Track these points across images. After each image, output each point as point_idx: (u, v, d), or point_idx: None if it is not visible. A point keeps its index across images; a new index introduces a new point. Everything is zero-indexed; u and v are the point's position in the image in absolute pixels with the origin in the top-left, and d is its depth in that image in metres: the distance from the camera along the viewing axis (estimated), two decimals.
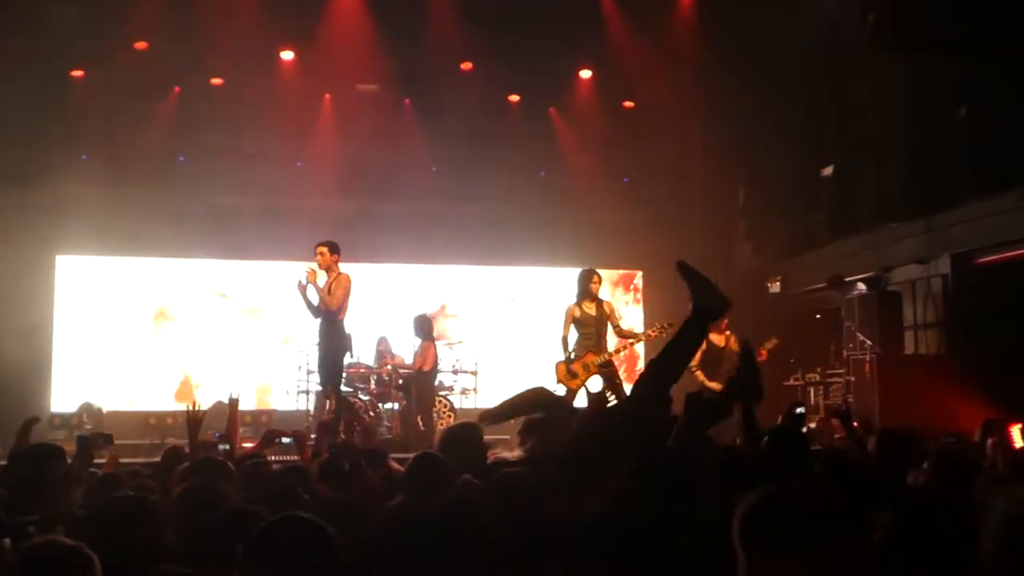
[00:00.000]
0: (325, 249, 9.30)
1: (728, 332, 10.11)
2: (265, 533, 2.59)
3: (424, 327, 11.50)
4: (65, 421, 12.13)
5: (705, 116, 13.06)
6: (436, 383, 11.83)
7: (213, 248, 13.77)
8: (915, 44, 10.33)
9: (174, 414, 13.19)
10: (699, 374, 9.78)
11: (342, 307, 9.28)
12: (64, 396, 13.16)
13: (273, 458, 6.50)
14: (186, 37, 12.13)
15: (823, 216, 13.27)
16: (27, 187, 12.12)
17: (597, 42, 13.08)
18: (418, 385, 11.30)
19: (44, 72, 11.89)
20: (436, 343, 11.55)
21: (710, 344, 9.81)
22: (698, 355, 9.71)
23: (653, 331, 10.04)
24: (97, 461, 6.59)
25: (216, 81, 13.00)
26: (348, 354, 9.82)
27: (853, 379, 11.15)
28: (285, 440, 6.97)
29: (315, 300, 9.21)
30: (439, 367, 11.78)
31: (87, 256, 13.69)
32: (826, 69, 12.40)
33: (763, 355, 9.79)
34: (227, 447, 6.30)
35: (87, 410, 12.53)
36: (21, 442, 5.34)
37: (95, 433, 7.74)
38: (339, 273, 9.32)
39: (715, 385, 9.69)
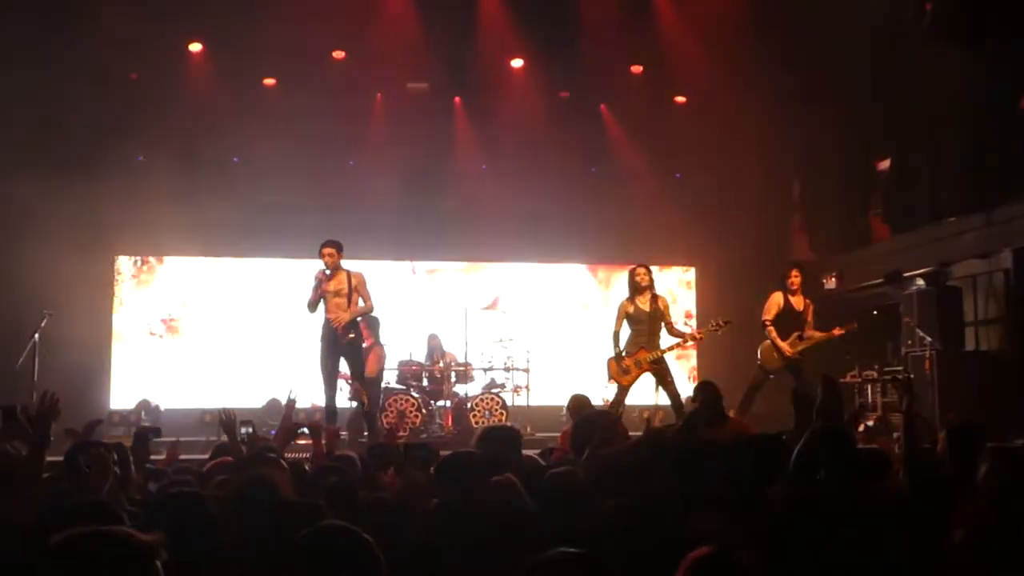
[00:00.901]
0: (334, 250, 9.38)
1: (808, 302, 9.89)
2: (310, 543, 2.56)
3: (375, 328, 11.37)
4: (124, 418, 12.36)
5: (758, 109, 12.89)
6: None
7: (266, 247, 13.91)
8: (974, 34, 10.12)
9: (235, 412, 13.33)
10: (771, 330, 9.62)
11: None
12: (122, 394, 13.38)
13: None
14: (239, 39, 12.25)
15: (880, 210, 13.06)
16: (86, 189, 12.32)
17: (647, 37, 12.98)
18: (370, 393, 10.97)
19: (101, 75, 12.06)
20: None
21: (788, 305, 9.66)
22: (774, 312, 9.65)
23: (705, 330, 10.05)
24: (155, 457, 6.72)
25: (269, 82, 13.11)
26: None
27: (912, 376, 10.95)
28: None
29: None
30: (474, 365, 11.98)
31: (144, 256, 13.92)
32: (882, 60, 12.19)
33: (837, 332, 9.68)
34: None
35: (145, 407, 12.75)
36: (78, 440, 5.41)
37: (143, 427, 7.86)
38: (349, 272, 9.43)
39: (785, 346, 9.53)
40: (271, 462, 4.50)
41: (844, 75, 12.58)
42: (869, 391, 12.26)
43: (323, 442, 6.01)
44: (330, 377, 9.49)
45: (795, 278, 9.78)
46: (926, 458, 4.95)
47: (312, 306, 9.44)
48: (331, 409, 9.47)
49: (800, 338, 9.63)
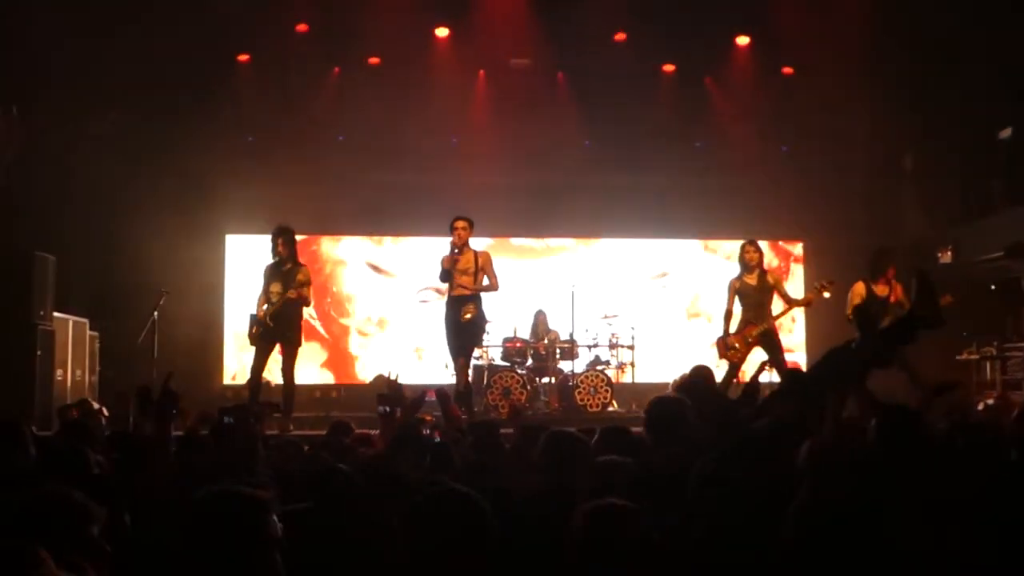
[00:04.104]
0: (468, 224, 9.39)
1: (894, 282, 9.55)
2: (426, 504, 2.62)
3: None
4: (236, 394, 12.69)
5: (870, 77, 12.49)
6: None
7: (375, 225, 14.11)
8: None
9: (338, 387, 13.62)
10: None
11: None
12: (235, 370, 13.72)
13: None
14: (344, 18, 12.36)
15: (1000, 181, 12.56)
16: (197, 170, 12.66)
17: (755, 6, 12.67)
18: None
19: (212, 57, 12.32)
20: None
21: (871, 294, 9.39)
22: (857, 302, 9.37)
23: (812, 294, 9.99)
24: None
25: (374, 60, 13.21)
26: None
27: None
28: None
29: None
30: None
31: (255, 235, 14.17)
32: (1003, 23, 11.67)
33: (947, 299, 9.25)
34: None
35: None
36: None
37: (265, 402, 8.08)
38: (476, 251, 9.48)
39: None
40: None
41: (962, 39, 12.08)
42: (988, 368, 11.88)
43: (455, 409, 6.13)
44: (453, 353, 9.63)
45: (891, 271, 9.47)
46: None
47: (445, 275, 9.45)
48: (460, 389, 9.57)
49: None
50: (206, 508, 2.51)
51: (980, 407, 10.09)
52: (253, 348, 9.42)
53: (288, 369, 9.38)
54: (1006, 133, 12.45)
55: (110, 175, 12.00)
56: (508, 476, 4.09)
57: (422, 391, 6.99)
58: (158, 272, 11.70)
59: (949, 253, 13.21)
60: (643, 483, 3.50)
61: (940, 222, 13.59)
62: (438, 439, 5.52)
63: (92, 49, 11.11)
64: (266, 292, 9.38)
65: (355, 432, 5.86)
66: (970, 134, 12.86)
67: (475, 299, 9.45)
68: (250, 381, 9.33)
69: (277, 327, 9.25)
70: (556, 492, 3.69)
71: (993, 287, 12.55)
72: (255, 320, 9.40)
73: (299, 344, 9.51)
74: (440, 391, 6.61)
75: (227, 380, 13.59)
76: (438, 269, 9.55)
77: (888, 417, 4.11)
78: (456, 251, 9.38)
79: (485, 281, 9.46)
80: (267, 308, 9.28)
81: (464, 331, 9.48)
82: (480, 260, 9.44)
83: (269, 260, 9.53)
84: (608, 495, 2.87)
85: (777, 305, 9.73)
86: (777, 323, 9.77)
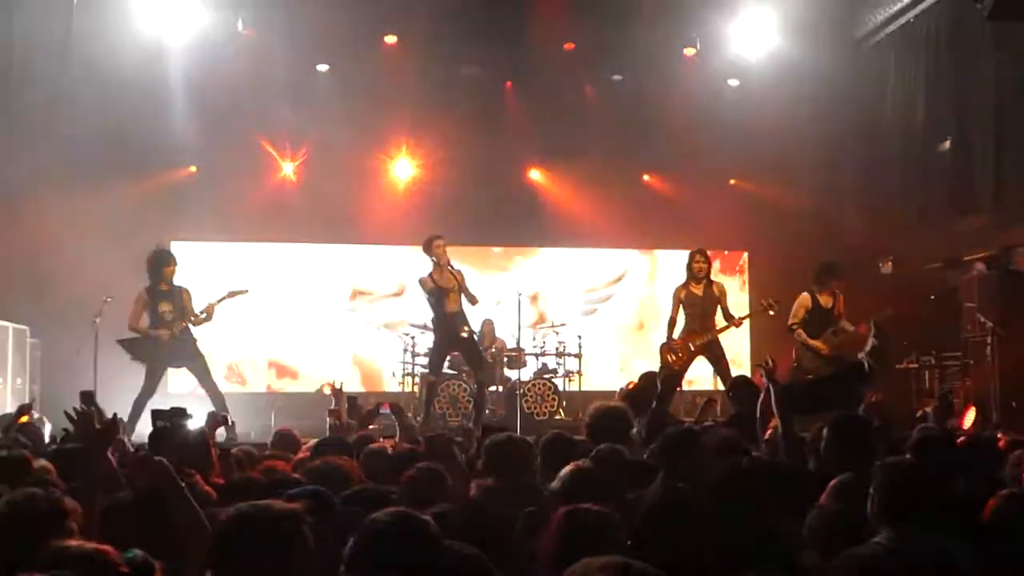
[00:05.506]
0: (444, 242, 9.49)
1: (838, 293, 9.69)
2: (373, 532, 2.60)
3: None
4: (180, 403, 12.52)
5: (814, 90, 12.69)
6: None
7: (320, 233, 14.00)
8: None
9: (283, 396, 13.49)
10: (801, 332, 9.49)
11: None
12: (178, 379, 13.52)
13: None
14: (290, 24, 12.30)
15: (940, 193, 12.79)
16: (141, 174, 12.47)
17: (701, 18, 12.82)
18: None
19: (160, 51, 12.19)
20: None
21: (816, 304, 9.51)
22: (801, 313, 9.50)
23: (755, 310, 10.08)
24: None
25: (322, 67, 13.15)
26: None
27: (972, 362, 10.76)
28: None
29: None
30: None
31: (200, 242, 14.00)
32: (944, 38, 11.93)
33: (864, 329, 9.29)
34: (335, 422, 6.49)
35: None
36: None
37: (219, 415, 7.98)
38: (452, 269, 9.58)
39: (818, 344, 9.36)
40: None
41: (903, 53, 12.33)
42: (927, 377, 12.08)
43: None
44: (437, 367, 9.88)
45: (837, 282, 9.61)
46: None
47: (439, 295, 9.53)
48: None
49: (834, 334, 9.44)
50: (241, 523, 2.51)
51: (919, 414, 10.29)
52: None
53: (212, 379, 9.68)
54: (945, 145, 12.68)
55: (52, 179, 11.80)
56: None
57: (376, 403, 7.05)
58: (101, 278, 11.49)
59: (890, 263, 13.43)
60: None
61: (881, 233, 13.80)
62: (390, 450, 5.52)
63: (37, 55, 10.97)
64: (155, 313, 9.50)
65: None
66: (911, 146, 13.08)
67: (466, 316, 9.67)
68: (144, 401, 9.18)
69: (190, 344, 9.61)
70: (505, 494, 3.72)
71: (932, 297, 12.76)
72: (153, 342, 9.45)
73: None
74: (394, 404, 6.66)
75: (171, 388, 13.37)
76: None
77: (838, 427, 4.22)
78: (448, 269, 9.49)
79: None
80: (175, 327, 9.49)
81: (468, 344, 9.79)
82: (459, 278, 9.59)
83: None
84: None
85: (721, 317, 9.78)
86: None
